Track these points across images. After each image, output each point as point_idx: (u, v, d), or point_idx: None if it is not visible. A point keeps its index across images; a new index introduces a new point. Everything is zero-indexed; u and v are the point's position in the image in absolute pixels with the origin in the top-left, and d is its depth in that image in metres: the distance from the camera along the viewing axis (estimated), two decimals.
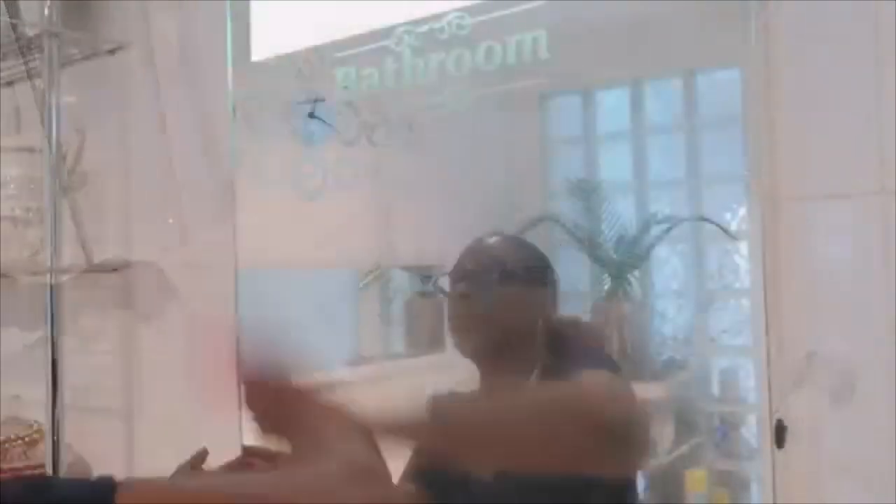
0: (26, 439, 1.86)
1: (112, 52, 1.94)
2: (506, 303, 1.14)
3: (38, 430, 1.85)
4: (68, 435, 1.79)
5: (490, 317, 1.14)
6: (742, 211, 1.49)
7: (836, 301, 1.10)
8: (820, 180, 1.11)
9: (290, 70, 1.74)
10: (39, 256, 1.81)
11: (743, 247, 1.76)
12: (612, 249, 1.88)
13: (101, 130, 1.98)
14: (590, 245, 1.89)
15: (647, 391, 1.79)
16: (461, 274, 1.17)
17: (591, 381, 0.97)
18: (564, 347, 1.17)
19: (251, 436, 1.63)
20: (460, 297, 1.16)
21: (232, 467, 1.05)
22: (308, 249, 1.85)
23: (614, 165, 2.24)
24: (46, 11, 1.81)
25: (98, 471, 1.99)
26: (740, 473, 1.90)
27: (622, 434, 0.89)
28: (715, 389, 2.01)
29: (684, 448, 1.92)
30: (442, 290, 1.20)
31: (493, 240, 1.21)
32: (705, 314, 2.10)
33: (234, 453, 1.04)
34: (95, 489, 0.59)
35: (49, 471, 1.75)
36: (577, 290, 2.02)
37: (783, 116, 1.14)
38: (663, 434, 1.88)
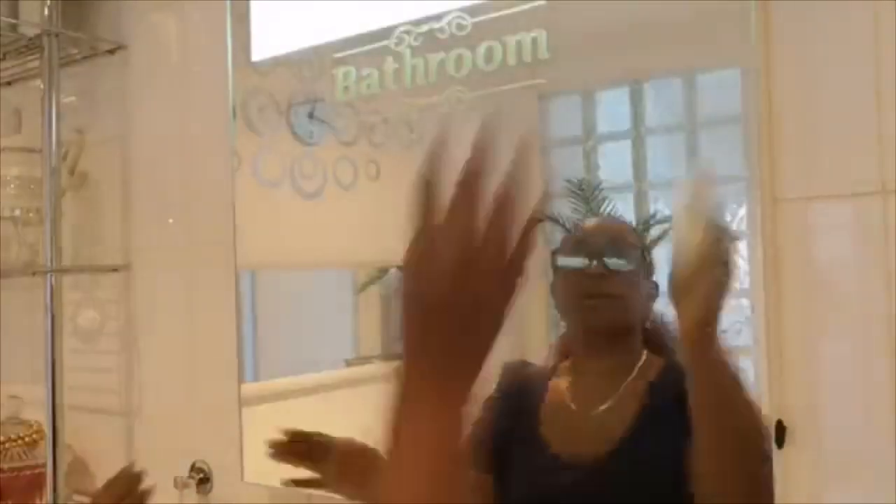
0: (26, 439, 1.86)
1: (112, 52, 1.94)
2: (636, 282, 1.17)
3: (38, 430, 1.85)
4: (68, 435, 1.79)
5: (624, 294, 1.16)
6: (742, 211, 1.48)
7: (836, 301, 1.10)
8: (820, 180, 1.11)
9: (290, 70, 1.74)
10: (39, 256, 1.81)
11: (743, 247, 1.75)
12: None
13: (101, 130, 1.98)
14: None
15: None
16: (590, 253, 1.16)
17: None
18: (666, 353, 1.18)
19: (250, 437, 1.64)
20: (593, 275, 1.15)
21: None
22: (308, 249, 1.85)
23: (614, 165, 2.23)
24: (46, 11, 1.81)
25: (98, 471, 1.99)
26: None
27: None
28: None
29: None
30: (557, 265, 1.19)
31: (615, 222, 1.26)
32: None
33: (233, 455, 1.03)
34: None
35: (49, 471, 1.75)
36: None
37: (783, 116, 1.14)
38: None
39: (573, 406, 1.17)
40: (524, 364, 1.29)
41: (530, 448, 1.16)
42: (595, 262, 1.16)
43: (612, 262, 1.15)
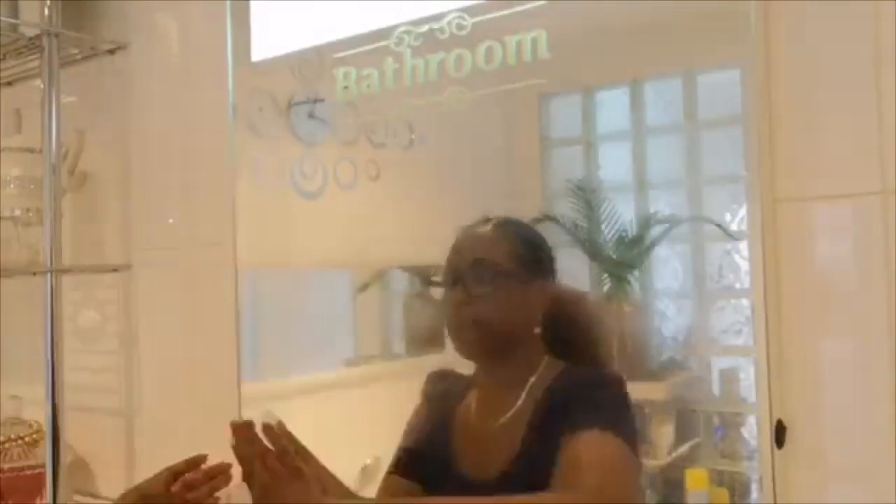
0: (26, 439, 1.86)
1: (112, 52, 1.94)
2: (505, 301, 1.08)
3: (38, 430, 1.85)
4: (68, 435, 1.79)
5: (490, 319, 1.07)
6: (742, 211, 1.48)
7: (836, 301, 1.10)
8: (820, 180, 1.11)
9: (290, 70, 1.74)
10: (39, 256, 1.81)
11: (743, 247, 1.75)
12: (612, 249, 1.88)
13: (101, 130, 1.98)
14: (590, 245, 1.89)
15: (647, 391, 1.79)
16: (454, 276, 1.09)
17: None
18: (570, 341, 1.15)
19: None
20: (457, 302, 1.07)
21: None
22: (308, 249, 1.85)
23: (614, 165, 2.23)
24: (46, 11, 1.81)
25: (98, 471, 1.99)
26: (740, 473, 1.89)
27: None
28: (715, 389, 2.01)
29: (684, 448, 1.92)
30: (432, 292, 1.15)
31: (484, 230, 1.12)
32: (705, 314, 2.09)
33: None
34: None
35: (49, 471, 1.75)
36: None
37: (783, 116, 1.13)
38: (663, 434, 1.88)
39: (476, 422, 1.12)
40: (447, 373, 1.25)
41: (442, 463, 1.13)
42: (456, 288, 1.06)
43: (475, 285, 1.05)
